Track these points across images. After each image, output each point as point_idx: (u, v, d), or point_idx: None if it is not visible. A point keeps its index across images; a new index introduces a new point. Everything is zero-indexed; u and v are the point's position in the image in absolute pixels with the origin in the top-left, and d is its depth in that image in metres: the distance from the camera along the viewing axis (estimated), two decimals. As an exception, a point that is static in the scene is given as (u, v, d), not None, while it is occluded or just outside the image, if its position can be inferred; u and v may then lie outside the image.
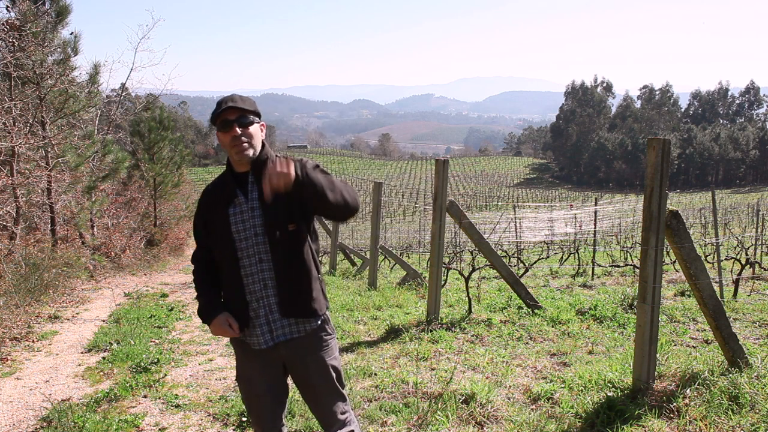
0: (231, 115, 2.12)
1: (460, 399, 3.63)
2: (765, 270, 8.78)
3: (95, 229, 13.89)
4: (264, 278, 2.19)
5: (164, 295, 9.36)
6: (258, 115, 2.20)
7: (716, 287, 6.04)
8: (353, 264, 12.82)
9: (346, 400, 2.36)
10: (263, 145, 2.21)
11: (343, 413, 2.32)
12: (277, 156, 2.09)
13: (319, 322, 2.30)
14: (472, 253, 9.32)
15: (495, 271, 7.53)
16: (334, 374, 2.31)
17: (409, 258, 16.67)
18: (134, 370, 4.78)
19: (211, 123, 2.18)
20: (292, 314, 2.22)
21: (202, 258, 2.35)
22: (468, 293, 6.22)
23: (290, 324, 2.23)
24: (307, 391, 2.33)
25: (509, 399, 3.74)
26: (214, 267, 2.33)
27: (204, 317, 2.26)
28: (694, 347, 4.83)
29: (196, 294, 2.35)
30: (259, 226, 2.17)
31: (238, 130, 2.12)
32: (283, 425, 2.38)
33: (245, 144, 2.13)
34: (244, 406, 2.49)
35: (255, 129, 2.17)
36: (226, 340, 5.92)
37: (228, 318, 2.20)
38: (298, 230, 2.21)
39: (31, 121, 9.88)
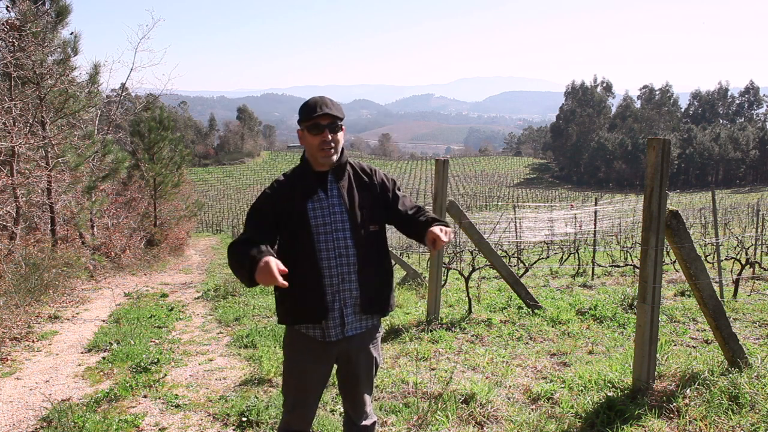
0: (324, 120, 2.21)
1: (460, 399, 3.63)
2: (765, 270, 8.78)
3: (95, 229, 13.89)
4: (342, 273, 2.25)
5: (164, 295, 9.36)
6: (342, 120, 2.31)
7: (716, 287, 6.04)
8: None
9: (372, 392, 2.54)
10: (342, 149, 2.34)
11: (370, 404, 2.49)
12: (441, 226, 2.22)
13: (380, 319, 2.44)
14: (472, 253, 9.31)
15: (495, 271, 7.52)
16: (375, 368, 2.47)
17: (409, 258, 16.66)
18: (134, 370, 4.78)
19: (299, 122, 2.27)
20: (372, 311, 2.34)
21: (255, 241, 2.15)
22: (468, 293, 6.22)
23: (360, 319, 2.33)
24: (350, 383, 2.42)
25: (509, 399, 3.74)
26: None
27: (249, 260, 2.02)
28: (694, 347, 4.84)
29: (235, 255, 2.12)
30: (341, 222, 2.26)
31: (329, 136, 2.22)
32: None
33: (333, 149, 2.24)
34: (288, 397, 2.40)
35: (341, 135, 2.29)
36: (227, 339, 5.91)
37: (279, 264, 1.99)
38: (379, 231, 2.36)
39: (31, 121, 9.88)
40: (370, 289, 2.30)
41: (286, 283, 2.00)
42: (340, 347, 2.33)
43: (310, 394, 2.38)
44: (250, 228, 2.26)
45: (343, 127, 2.30)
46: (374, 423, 2.51)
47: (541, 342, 5.14)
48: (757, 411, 3.14)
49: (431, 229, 2.18)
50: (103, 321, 7.14)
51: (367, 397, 2.47)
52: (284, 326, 2.43)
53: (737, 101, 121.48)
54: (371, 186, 2.37)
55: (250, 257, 2.03)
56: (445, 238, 2.15)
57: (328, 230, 2.25)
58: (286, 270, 2.04)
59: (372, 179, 2.39)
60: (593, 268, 9.98)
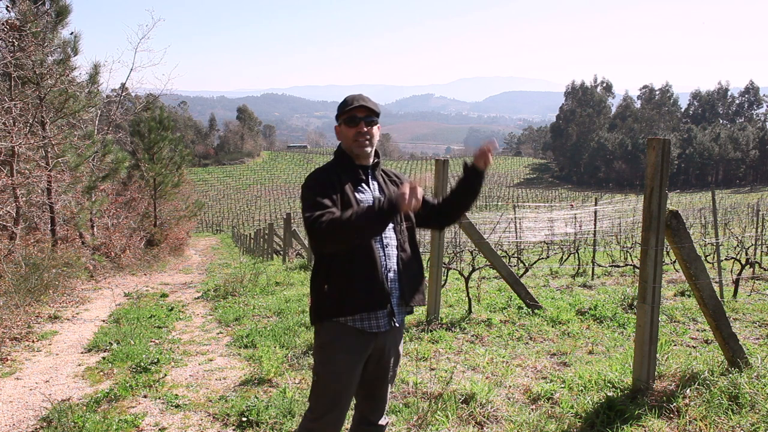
0: (360, 112, 2.31)
1: (460, 399, 3.63)
2: (765, 270, 8.78)
3: (95, 229, 13.89)
4: (390, 264, 2.31)
5: (164, 295, 9.36)
6: (378, 117, 2.38)
7: (716, 287, 6.04)
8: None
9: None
10: (376, 150, 2.42)
11: (387, 400, 2.54)
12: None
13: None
14: (472, 253, 9.32)
15: (495, 271, 7.53)
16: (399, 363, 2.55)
17: (409, 258, 16.66)
18: (134, 370, 4.78)
19: (337, 118, 2.35)
20: (412, 302, 2.38)
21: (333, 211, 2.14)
22: (468, 293, 6.22)
23: (401, 312, 2.37)
24: (378, 380, 2.42)
25: (509, 399, 3.74)
26: None
27: (388, 201, 2.02)
28: (694, 347, 4.84)
29: (355, 214, 2.04)
30: None
31: (365, 128, 2.31)
32: None
33: (367, 141, 2.33)
34: (323, 399, 2.30)
35: (376, 130, 2.38)
36: (227, 339, 5.91)
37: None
38: (412, 227, 2.46)
39: (31, 121, 9.88)
40: (410, 281, 2.37)
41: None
42: (378, 342, 2.31)
43: (347, 394, 2.32)
44: (324, 201, 2.16)
45: (378, 124, 2.38)
46: (387, 423, 2.53)
47: (541, 342, 5.14)
48: (757, 411, 3.14)
49: (474, 156, 2.38)
50: (103, 321, 7.15)
51: (389, 394, 2.51)
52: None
53: (737, 101, 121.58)
54: (400, 185, 2.46)
55: (379, 203, 2.03)
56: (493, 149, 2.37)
57: None
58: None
59: (401, 179, 2.54)
60: (593, 268, 9.98)
